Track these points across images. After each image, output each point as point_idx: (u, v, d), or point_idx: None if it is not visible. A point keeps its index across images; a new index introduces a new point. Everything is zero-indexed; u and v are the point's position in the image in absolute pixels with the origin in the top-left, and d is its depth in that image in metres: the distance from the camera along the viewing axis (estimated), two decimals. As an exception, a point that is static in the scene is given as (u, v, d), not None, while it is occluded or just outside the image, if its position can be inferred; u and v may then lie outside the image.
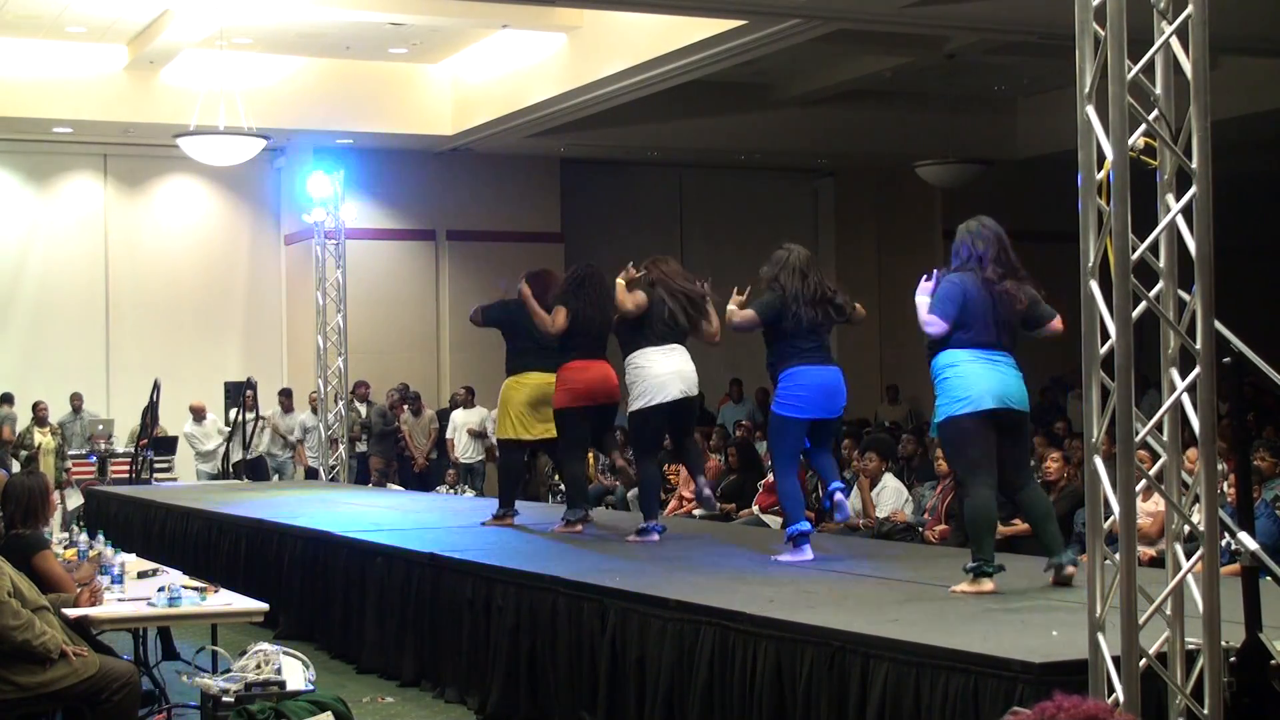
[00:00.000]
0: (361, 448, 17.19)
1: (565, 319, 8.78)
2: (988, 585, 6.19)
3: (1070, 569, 6.30)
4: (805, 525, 7.57)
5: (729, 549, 8.29)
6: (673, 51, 13.95)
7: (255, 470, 16.85)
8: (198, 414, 17.27)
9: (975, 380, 6.27)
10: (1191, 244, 4.41)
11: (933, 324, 6.37)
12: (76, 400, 17.59)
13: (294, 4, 14.55)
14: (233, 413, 17.05)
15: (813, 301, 7.55)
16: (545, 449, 10.24)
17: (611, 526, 9.48)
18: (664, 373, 8.36)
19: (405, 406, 17.52)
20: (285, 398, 17.77)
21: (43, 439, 15.99)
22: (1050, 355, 18.72)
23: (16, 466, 14.89)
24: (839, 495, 7.68)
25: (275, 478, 17.03)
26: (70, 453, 16.96)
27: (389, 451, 17.15)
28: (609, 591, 6.55)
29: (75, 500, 15.59)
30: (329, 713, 5.77)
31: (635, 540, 8.46)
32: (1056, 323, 6.57)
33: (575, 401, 8.88)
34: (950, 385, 6.32)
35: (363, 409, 17.43)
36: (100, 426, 17.36)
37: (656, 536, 8.47)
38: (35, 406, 16.49)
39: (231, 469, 16.70)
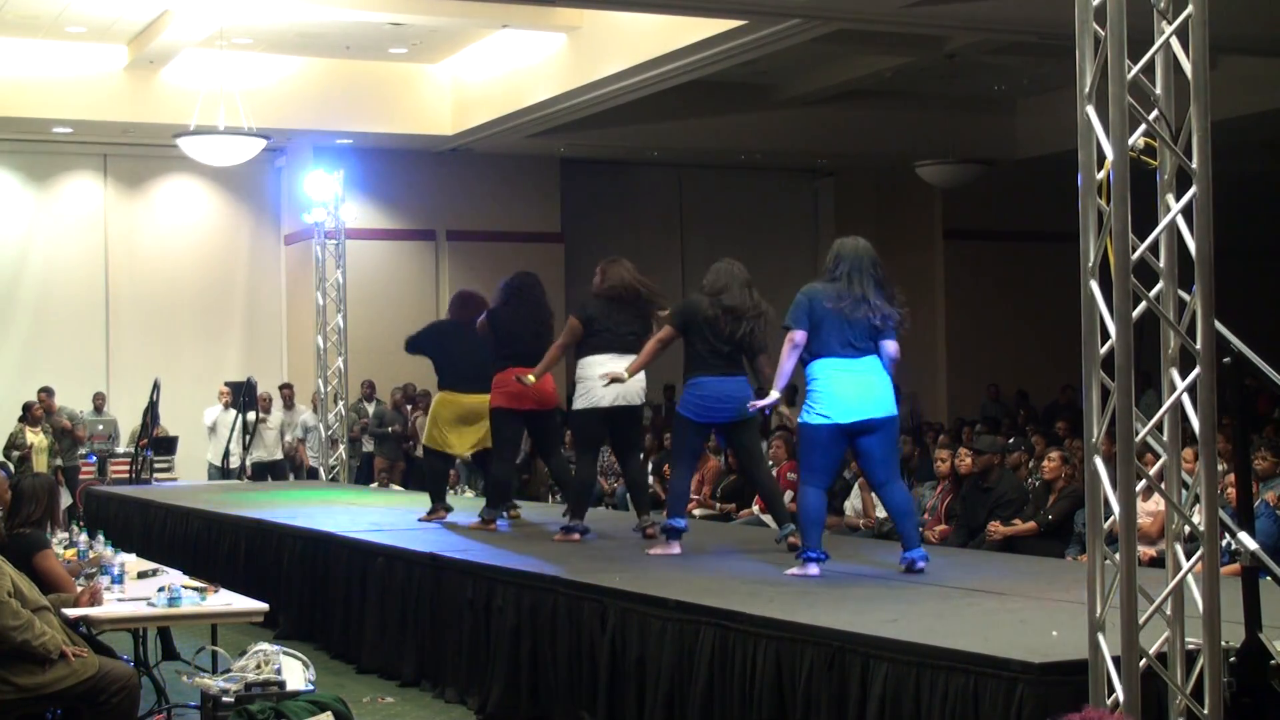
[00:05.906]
0: (368, 447, 17.14)
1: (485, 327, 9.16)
2: (813, 569, 6.90)
3: (921, 564, 6.94)
4: (680, 523, 7.91)
5: (729, 549, 8.29)
6: (673, 51, 13.95)
7: (275, 471, 16.74)
8: (228, 402, 17.05)
9: (833, 393, 6.86)
10: (1191, 244, 4.41)
11: (791, 341, 6.90)
12: (99, 399, 17.54)
13: (294, 4, 14.55)
14: (240, 415, 16.90)
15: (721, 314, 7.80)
16: (476, 461, 10.68)
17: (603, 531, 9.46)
18: (600, 377, 8.39)
19: (410, 406, 17.47)
20: (287, 391, 17.67)
21: (34, 438, 15.94)
22: (1052, 357, 18.80)
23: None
24: (791, 539, 7.82)
25: (291, 477, 16.94)
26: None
27: (393, 452, 17.12)
28: (609, 591, 6.54)
29: (65, 500, 15.51)
30: (329, 713, 5.77)
31: (560, 539, 8.56)
32: (890, 346, 6.97)
33: (509, 402, 9.08)
34: (812, 393, 6.93)
35: (369, 408, 17.38)
36: (100, 426, 17.33)
37: (578, 536, 8.53)
38: (26, 406, 16.46)
39: (245, 470, 16.61)
